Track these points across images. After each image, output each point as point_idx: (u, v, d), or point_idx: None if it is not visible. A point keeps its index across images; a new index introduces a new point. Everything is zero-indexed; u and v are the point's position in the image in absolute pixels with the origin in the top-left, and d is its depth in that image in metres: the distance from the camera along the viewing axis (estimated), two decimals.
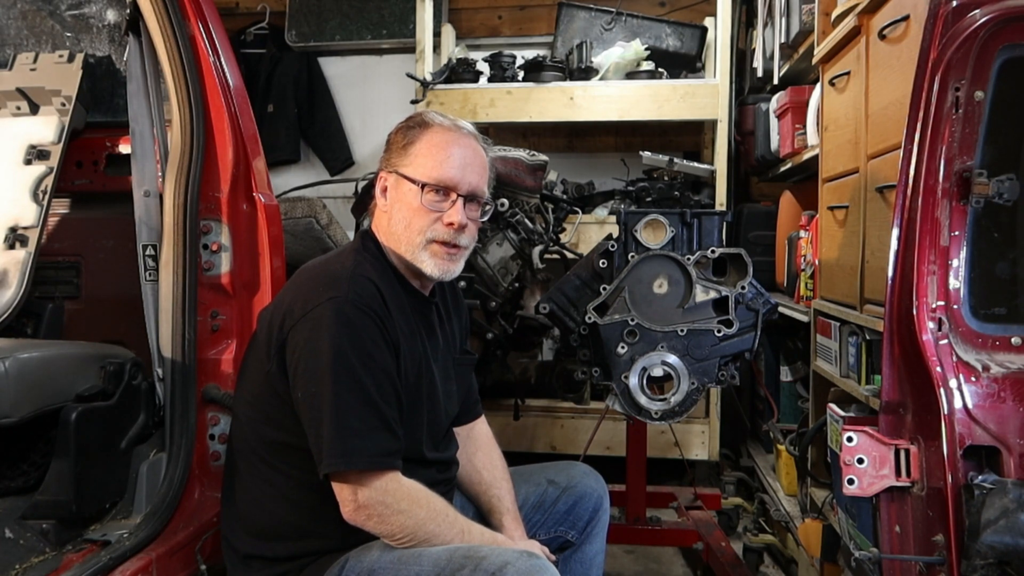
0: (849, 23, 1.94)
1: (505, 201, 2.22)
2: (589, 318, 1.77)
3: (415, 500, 1.32)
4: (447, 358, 1.56)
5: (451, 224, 1.41)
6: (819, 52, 2.22)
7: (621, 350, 1.73)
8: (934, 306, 1.28)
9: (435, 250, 1.42)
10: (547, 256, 2.37)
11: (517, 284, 2.33)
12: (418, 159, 1.43)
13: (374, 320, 1.33)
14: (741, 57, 3.50)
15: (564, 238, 2.75)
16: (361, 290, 1.34)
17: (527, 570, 1.23)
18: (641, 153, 2.94)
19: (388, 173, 1.47)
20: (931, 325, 1.27)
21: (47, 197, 1.98)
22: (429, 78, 3.21)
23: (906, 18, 1.61)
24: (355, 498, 1.28)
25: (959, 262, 1.29)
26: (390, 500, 1.29)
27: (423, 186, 1.41)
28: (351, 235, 2.66)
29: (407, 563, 1.29)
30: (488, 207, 1.52)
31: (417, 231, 1.41)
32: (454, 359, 1.60)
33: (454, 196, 1.42)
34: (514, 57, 3.31)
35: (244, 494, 1.43)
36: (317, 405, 1.29)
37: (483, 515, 1.60)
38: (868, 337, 1.80)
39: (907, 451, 1.32)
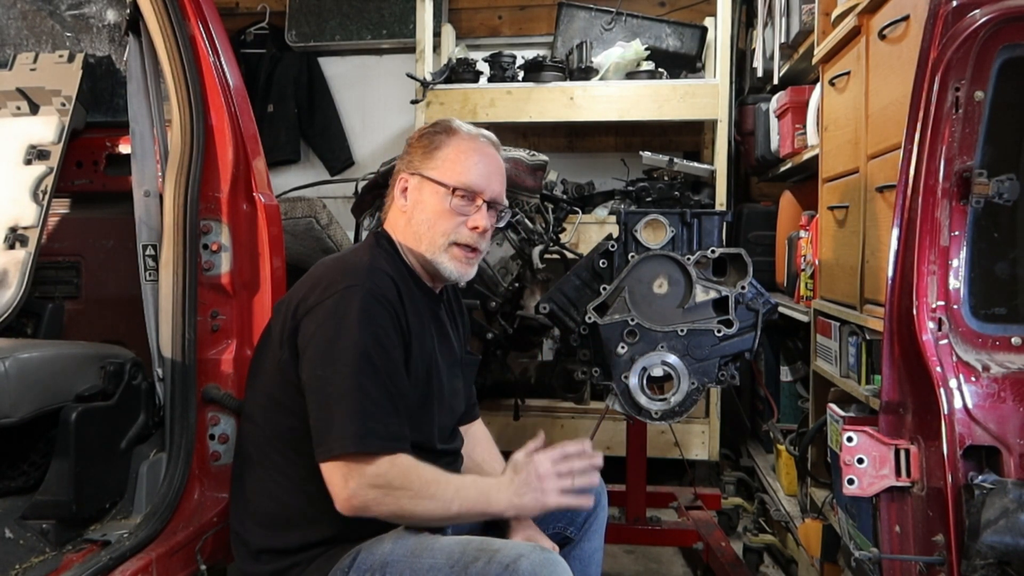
0: (849, 23, 1.94)
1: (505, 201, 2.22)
2: (589, 318, 1.77)
3: (408, 476, 1.30)
4: (453, 357, 1.59)
5: (476, 228, 1.47)
6: (819, 52, 2.22)
7: (621, 350, 1.73)
8: (934, 306, 1.28)
9: (455, 253, 1.48)
10: (547, 256, 2.37)
11: (517, 284, 2.33)
12: (446, 163, 1.48)
13: (389, 311, 1.36)
14: (741, 57, 3.50)
15: (564, 238, 2.75)
16: (379, 281, 1.37)
17: (541, 562, 1.24)
18: (641, 153, 2.94)
19: (410, 175, 1.50)
20: (931, 325, 1.27)
21: (47, 197, 1.98)
22: (429, 78, 3.21)
23: (906, 18, 1.61)
24: (349, 484, 1.27)
25: (959, 262, 1.29)
26: (391, 479, 1.28)
27: (453, 190, 1.46)
28: (351, 235, 2.66)
29: (420, 555, 1.30)
30: (504, 215, 1.58)
31: (441, 232, 1.47)
32: (460, 359, 1.62)
33: (479, 201, 1.48)
34: (514, 57, 3.31)
35: (256, 485, 1.44)
36: (325, 388, 1.30)
37: None
38: (868, 337, 1.80)
39: (907, 451, 1.32)
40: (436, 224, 1.46)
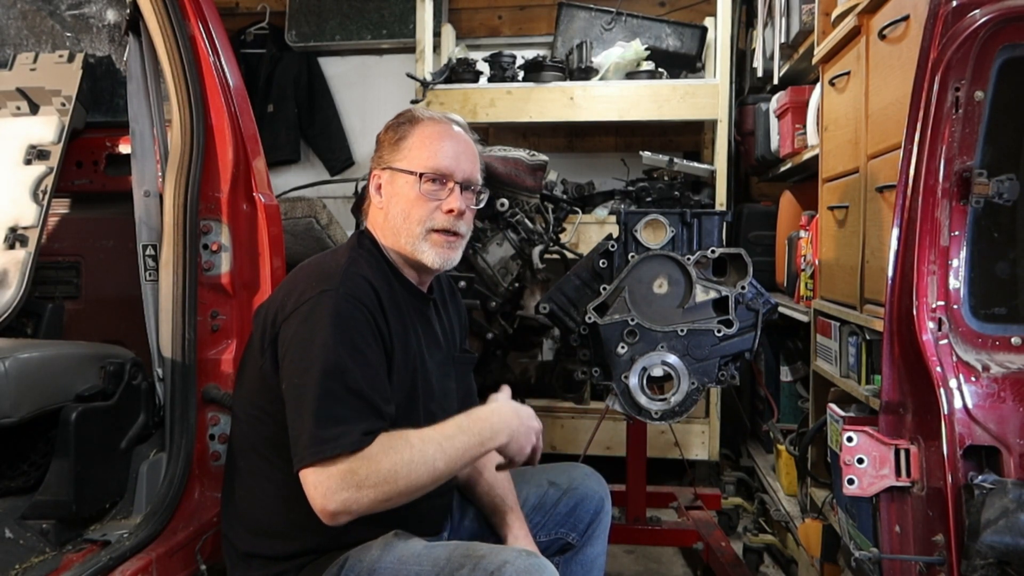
0: (849, 23, 1.94)
1: (505, 201, 2.22)
2: (589, 318, 1.77)
3: (377, 466, 1.23)
4: (445, 356, 1.56)
5: (451, 211, 1.44)
6: (819, 52, 2.22)
7: (621, 350, 1.73)
8: (934, 306, 1.28)
9: (435, 239, 1.45)
10: (547, 256, 2.37)
11: (517, 284, 2.33)
12: (412, 151, 1.46)
13: (365, 315, 1.33)
14: (741, 57, 3.50)
15: (564, 238, 2.75)
16: (353, 284, 1.35)
17: (526, 568, 1.23)
18: (641, 153, 2.93)
19: (381, 170, 1.49)
20: (931, 325, 1.27)
21: (47, 197, 1.98)
22: (429, 78, 3.21)
23: (906, 18, 1.61)
24: (319, 490, 1.21)
25: (959, 262, 1.29)
26: (359, 475, 1.21)
27: (421, 176, 1.43)
28: (351, 235, 2.66)
29: (407, 563, 1.29)
30: (483, 195, 1.54)
31: (417, 221, 1.44)
32: (453, 358, 1.60)
33: (451, 184, 1.45)
34: (514, 57, 3.31)
35: (244, 492, 1.44)
36: (300, 396, 1.27)
37: (486, 515, 1.60)
38: (868, 337, 1.80)
39: (907, 451, 1.32)
40: (411, 213, 1.43)
